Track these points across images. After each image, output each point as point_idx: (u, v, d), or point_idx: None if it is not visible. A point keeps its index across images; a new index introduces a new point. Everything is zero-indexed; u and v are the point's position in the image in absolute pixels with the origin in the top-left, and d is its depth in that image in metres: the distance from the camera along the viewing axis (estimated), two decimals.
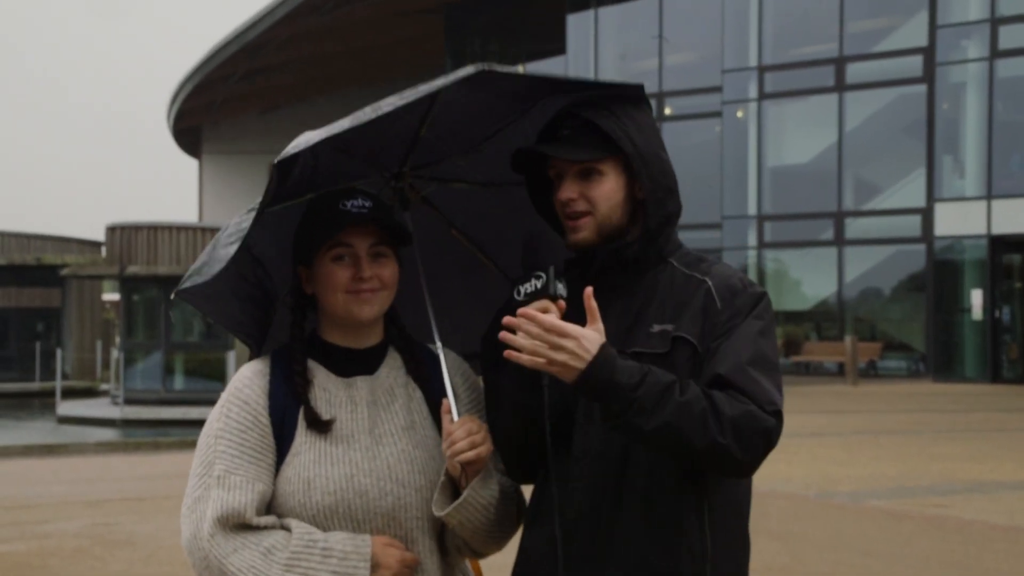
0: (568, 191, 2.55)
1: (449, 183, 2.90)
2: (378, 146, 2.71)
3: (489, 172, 2.86)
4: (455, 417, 2.54)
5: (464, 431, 2.51)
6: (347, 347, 2.68)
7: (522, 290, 2.40)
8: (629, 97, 2.60)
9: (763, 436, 2.39)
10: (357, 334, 2.68)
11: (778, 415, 2.42)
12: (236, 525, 2.49)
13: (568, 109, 2.58)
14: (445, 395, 2.61)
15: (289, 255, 2.76)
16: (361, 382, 2.66)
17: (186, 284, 2.63)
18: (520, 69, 2.58)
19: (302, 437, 2.58)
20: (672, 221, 2.60)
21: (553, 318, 2.34)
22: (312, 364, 2.66)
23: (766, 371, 2.45)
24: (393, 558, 2.54)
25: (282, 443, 2.59)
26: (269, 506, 2.57)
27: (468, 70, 2.39)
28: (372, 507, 2.57)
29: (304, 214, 2.66)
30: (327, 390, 2.64)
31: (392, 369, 2.71)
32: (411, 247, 2.70)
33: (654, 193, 2.54)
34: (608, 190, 2.54)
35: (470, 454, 2.50)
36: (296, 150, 2.38)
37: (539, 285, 2.39)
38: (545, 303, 2.39)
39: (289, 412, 2.60)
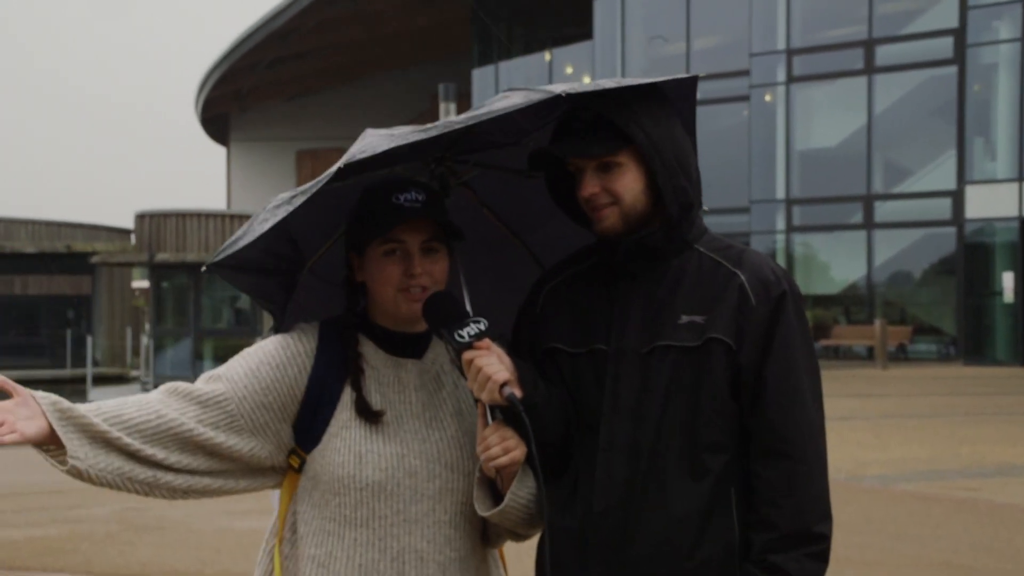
0: (590, 187, 2.53)
1: (489, 169, 2.88)
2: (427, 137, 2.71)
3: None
4: (490, 420, 2.53)
5: (498, 436, 2.50)
6: (398, 331, 2.69)
7: (465, 334, 2.50)
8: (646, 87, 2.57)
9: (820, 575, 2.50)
10: (407, 323, 2.69)
11: (826, 536, 2.50)
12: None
13: (579, 103, 2.55)
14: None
15: (321, 231, 2.80)
16: (411, 365, 2.68)
17: (218, 257, 2.66)
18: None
19: (350, 412, 2.61)
20: (693, 208, 2.57)
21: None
22: (363, 340, 2.67)
23: (815, 439, 2.52)
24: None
25: (320, 411, 2.62)
26: (315, 477, 2.61)
27: (551, 94, 2.43)
28: (420, 488, 2.59)
29: (357, 203, 2.67)
30: (376, 369, 2.65)
31: (438, 355, 2.72)
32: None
33: (671, 181, 2.51)
34: (629, 180, 2.52)
35: (504, 459, 2.50)
36: (364, 156, 2.41)
37: (482, 328, 2.51)
38: (488, 341, 2.51)
39: (330, 385, 2.62)
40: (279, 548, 2.67)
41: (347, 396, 2.62)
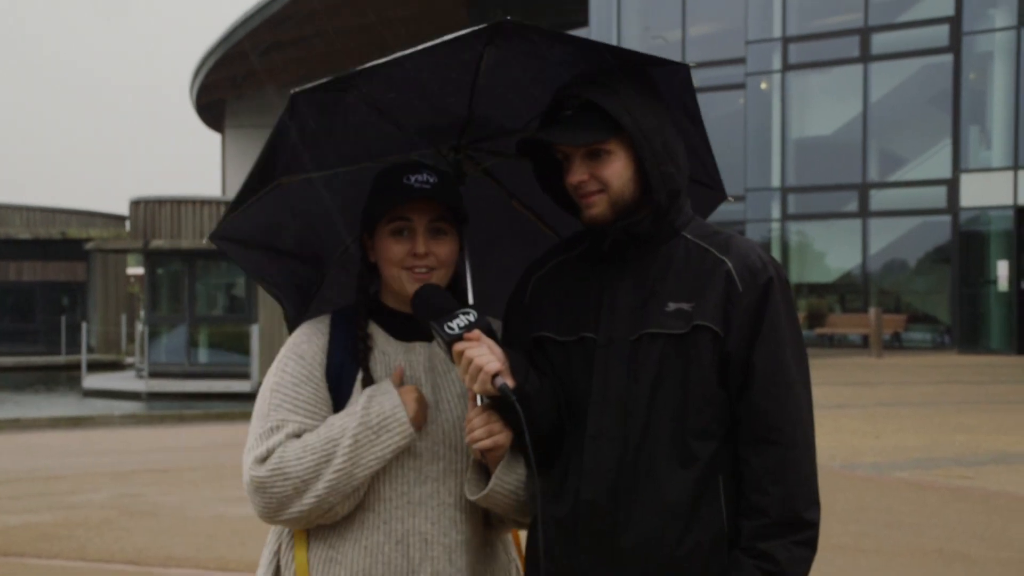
0: (578, 174, 2.53)
1: (507, 156, 2.87)
2: (429, 121, 2.71)
3: None
4: (478, 402, 2.54)
5: (482, 419, 2.52)
6: (407, 313, 2.69)
7: (455, 325, 2.50)
8: (632, 71, 2.56)
9: (808, 562, 2.50)
10: None
11: (815, 523, 2.51)
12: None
13: (567, 89, 2.54)
14: None
15: (338, 220, 2.82)
16: (420, 348, 2.69)
17: (218, 226, 2.68)
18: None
19: (359, 394, 2.62)
20: (680, 194, 2.57)
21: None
22: (373, 327, 2.70)
23: (803, 424, 2.56)
24: (411, 398, 2.60)
25: (339, 400, 2.63)
26: None
27: (490, 23, 2.39)
28: (424, 470, 2.62)
29: (372, 183, 2.68)
30: (386, 354, 2.68)
31: None
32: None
33: (659, 168, 2.51)
34: (618, 168, 2.52)
35: (487, 442, 2.52)
36: (312, 85, 2.43)
37: (472, 319, 2.51)
38: (478, 332, 2.50)
39: (347, 371, 2.64)
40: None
41: (360, 380, 2.64)
